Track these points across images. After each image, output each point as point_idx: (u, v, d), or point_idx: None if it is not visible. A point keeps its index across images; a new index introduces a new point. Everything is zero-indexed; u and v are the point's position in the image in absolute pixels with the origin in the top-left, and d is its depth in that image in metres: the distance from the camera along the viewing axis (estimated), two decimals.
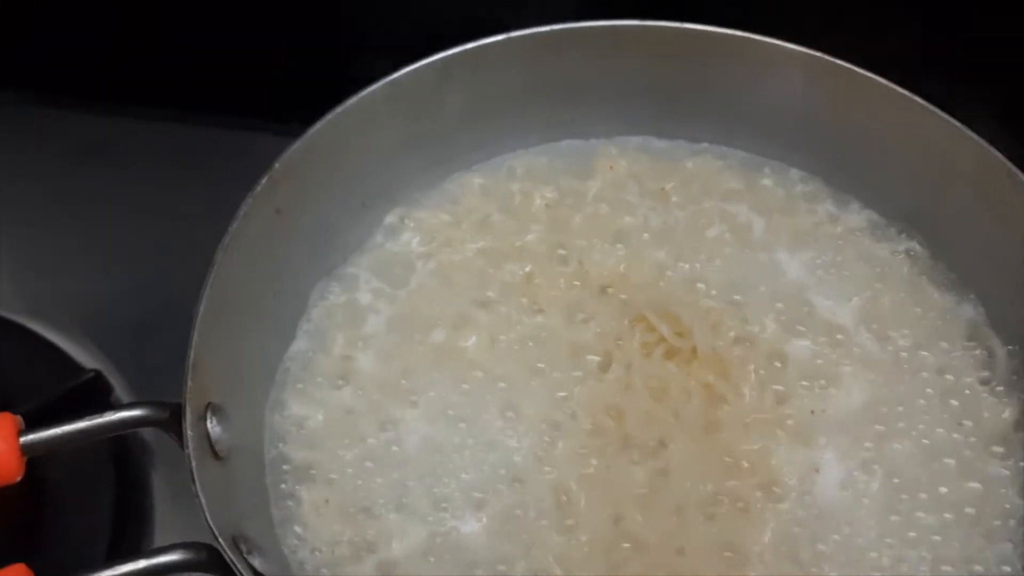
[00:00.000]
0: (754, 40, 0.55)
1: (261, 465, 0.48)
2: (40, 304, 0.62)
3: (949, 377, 0.51)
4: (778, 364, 0.51)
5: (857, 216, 0.57)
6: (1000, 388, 0.51)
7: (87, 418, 0.40)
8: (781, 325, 0.53)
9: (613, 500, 0.47)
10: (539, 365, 0.51)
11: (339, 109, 0.52)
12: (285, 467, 0.49)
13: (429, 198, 0.58)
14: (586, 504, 0.47)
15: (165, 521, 0.54)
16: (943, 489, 0.48)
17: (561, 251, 0.56)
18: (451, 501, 0.47)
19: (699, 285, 0.54)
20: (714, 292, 0.54)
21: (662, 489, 0.47)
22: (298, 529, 0.47)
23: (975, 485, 0.48)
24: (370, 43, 0.65)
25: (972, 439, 0.49)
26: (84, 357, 0.59)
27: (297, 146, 0.51)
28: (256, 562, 0.40)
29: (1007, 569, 0.46)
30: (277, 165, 0.50)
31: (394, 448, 0.49)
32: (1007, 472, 0.48)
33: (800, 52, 0.54)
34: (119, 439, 0.54)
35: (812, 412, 0.50)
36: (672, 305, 0.52)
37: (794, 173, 0.59)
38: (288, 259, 0.53)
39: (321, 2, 0.67)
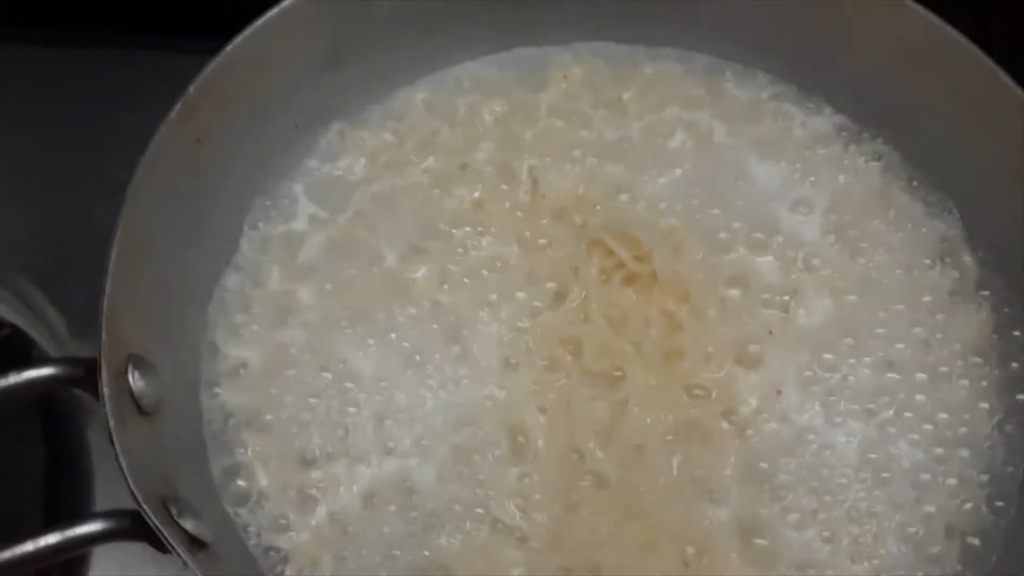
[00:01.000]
0: None
1: (198, 417, 0.46)
2: None
3: (919, 290, 0.49)
4: (741, 285, 0.49)
5: (827, 121, 0.54)
6: (971, 299, 0.49)
7: None
8: (745, 242, 0.50)
9: (572, 436, 0.45)
10: (492, 297, 0.49)
11: (258, 23, 0.47)
12: (223, 417, 0.46)
13: (369, 115, 0.54)
14: (544, 443, 0.45)
15: (106, 484, 0.51)
16: (918, 399, 0.46)
17: (513, 171, 0.52)
18: (401, 443, 0.45)
19: (660, 204, 0.51)
20: (676, 209, 0.51)
21: (622, 423, 0.45)
22: (241, 483, 0.44)
23: (946, 398, 0.47)
24: None
25: (944, 352, 0.48)
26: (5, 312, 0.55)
27: (213, 66, 0.46)
28: (188, 524, 0.38)
29: (984, 478, 0.45)
30: (192, 89, 0.45)
31: (340, 389, 0.47)
32: (984, 383, 0.47)
33: None
34: (46, 396, 0.51)
35: (771, 333, 0.48)
36: (631, 226, 0.50)
37: (760, 77, 0.55)
38: (214, 191, 0.49)
39: None
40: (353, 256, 0.50)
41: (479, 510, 0.44)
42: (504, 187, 0.52)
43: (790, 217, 0.51)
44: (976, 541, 0.44)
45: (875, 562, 0.43)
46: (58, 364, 0.38)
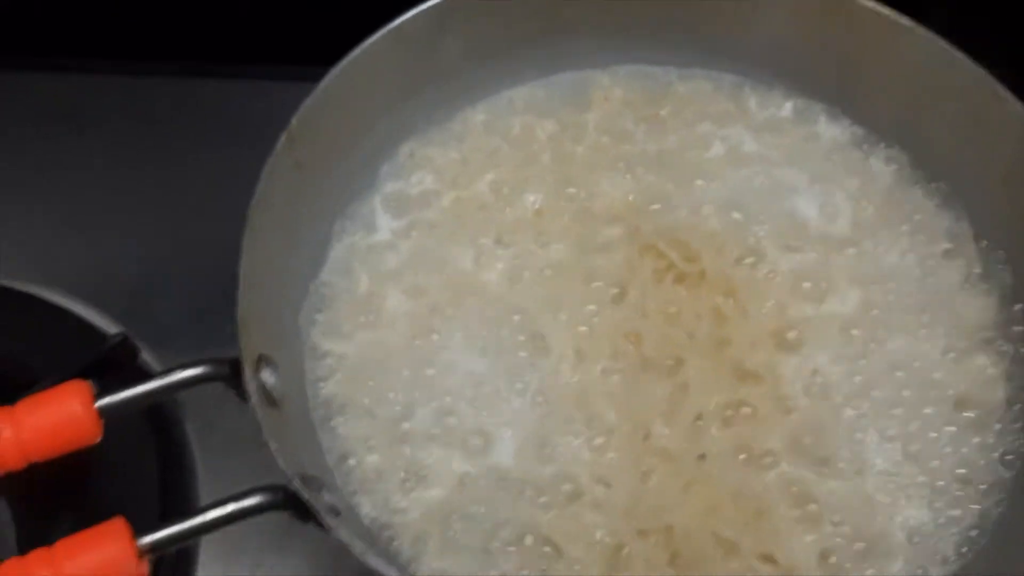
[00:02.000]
0: None
1: (306, 407, 0.51)
2: (50, 272, 0.63)
3: (933, 279, 0.55)
4: (778, 279, 0.55)
5: (846, 131, 0.60)
6: (982, 287, 0.55)
7: (155, 379, 0.43)
8: (778, 242, 0.56)
9: (639, 416, 0.51)
10: (558, 296, 0.54)
11: (345, 60, 0.53)
12: (328, 406, 0.52)
13: (434, 136, 0.60)
14: (615, 422, 0.50)
15: (208, 474, 0.57)
16: (936, 377, 0.52)
17: (567, 183, 0.58)
18: (490, 427, 0.51)
19: (702, 210, 0.57)
20: (717, 214, 0.57)
21: (682, 403, 0.51)
22: (351, 462, 0.50)
23: (968, 376, 0.52)
24: None
25: (960, 333, 0.53)
26: (102, 322, 0.61)
27: (310, 100, 0.52)
28: (326, 498, 0.43)
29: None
30: (294, 121, 0.51)
31: (428, 379, 0.52)
32: (998, 366, 0.52)
33: None
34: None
35: (808, 320, 0.54)
36: (678, 231, 0.55)
37: (781, 93, 0.61)
38: (308, 209, 0.55)
39: None
40: (430, 262, 0.56)
41: (565, 485, 0.49)
42: (560, 197, 0.58)
43: (817, 218, 0.57)
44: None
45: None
46: (210, 364, 0.44)
